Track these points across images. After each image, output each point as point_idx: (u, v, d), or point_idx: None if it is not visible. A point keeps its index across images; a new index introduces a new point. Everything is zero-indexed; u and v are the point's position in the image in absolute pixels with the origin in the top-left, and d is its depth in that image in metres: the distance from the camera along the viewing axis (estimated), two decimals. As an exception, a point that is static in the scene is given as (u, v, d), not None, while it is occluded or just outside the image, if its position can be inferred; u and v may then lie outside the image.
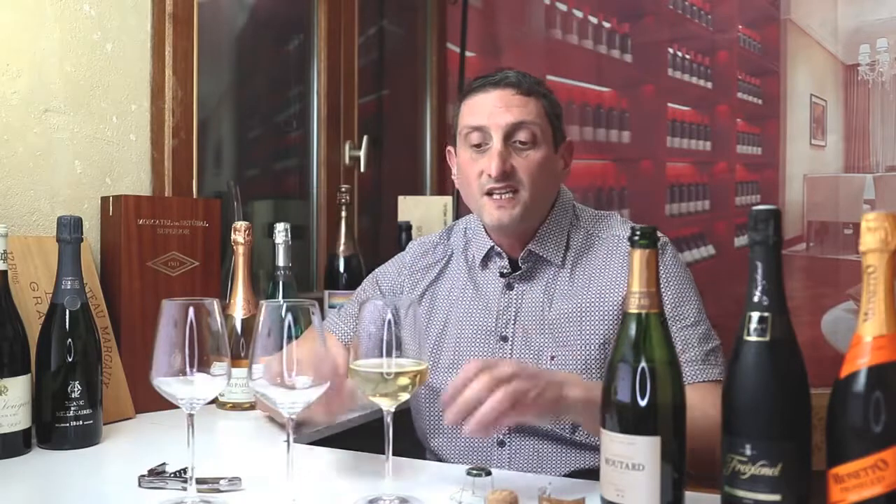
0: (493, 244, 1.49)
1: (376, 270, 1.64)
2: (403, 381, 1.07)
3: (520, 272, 1.47)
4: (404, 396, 1.09)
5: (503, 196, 1.40)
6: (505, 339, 1.45)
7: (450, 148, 1.55)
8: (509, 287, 1.48)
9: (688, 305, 1.38)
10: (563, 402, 1.13)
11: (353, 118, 2.62)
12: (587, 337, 1.39)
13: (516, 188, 1.40)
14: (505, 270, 1.49)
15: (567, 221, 1.49)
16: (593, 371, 1.37)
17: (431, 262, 1.58)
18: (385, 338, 1.07)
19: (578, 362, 1.38)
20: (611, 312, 1.38)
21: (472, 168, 1.43)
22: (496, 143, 1.39)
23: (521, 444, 1.42)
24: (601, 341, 1.38)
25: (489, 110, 1.41)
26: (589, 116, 2.91)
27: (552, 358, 1.40)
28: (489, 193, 1.41)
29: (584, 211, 1.53)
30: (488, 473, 1.02)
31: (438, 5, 3.04)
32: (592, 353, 1.38)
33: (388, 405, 1.09)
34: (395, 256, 1.65)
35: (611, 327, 1.38)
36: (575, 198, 1.57)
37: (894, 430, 0.80)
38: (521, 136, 1.41)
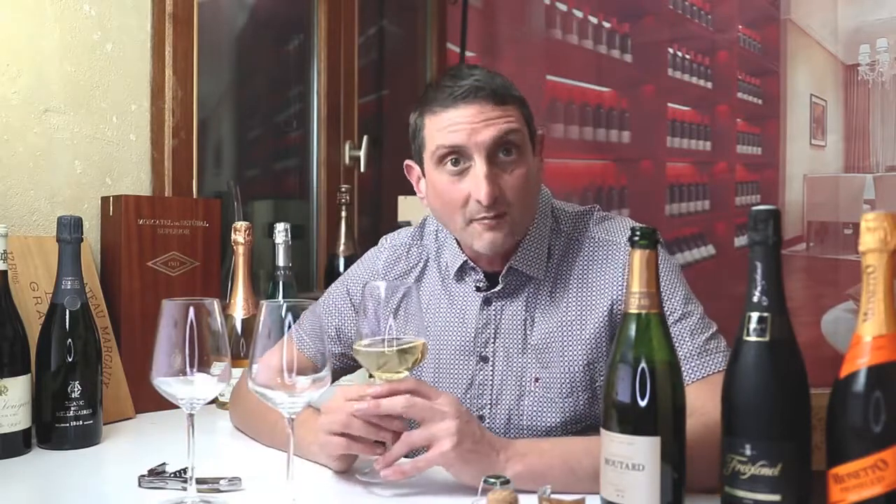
0: (466, 258, 1.37)
1: (345, 276, 1.53)
2: (408, 356, 1.15)
3: (499, 289, 1.35)
4: (405, 373, 1.16)
5: (493, 221, 1.27)
6: (485, 359, 1.36)
7: (409, 163, 1.39)
8: (487, 303, 1.36)
9: (673, 299, 1.27)
10: (496, 470, 1.09)
11: (353, 118, 2.62)
12: (570, 359, 1.31)
13: (504, 211, 1.28)
14: (481, 285, 1.37)
15: (547, 229, 1.37)
16: (579, 393, 1.31)
17: (405, 268, 1.46)
18: (388, 318, 1.15)
19: (563, 385, 1.31)
20: (593, 331, 1.30)
21: (454, 193, 1.28)
22: (480, 164, 1.25)
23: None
24: (585, 362, 1.30)
25: (466, 127, 1.25)
26: (589, 116, 2.91)
27: (536, 380, 1.32)
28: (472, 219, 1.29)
29: (562, 212, 1.40)
30: (506, 482, 1.01)
31: (438, 5, 3.04)
32: (577, 375, 1.31)
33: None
34: (366, 257, 1.52)
35: (594, 347, 1.30)
36: (560, 194, 1.45)
37: (894, 430, 0.80)
38: (505, 150, 1.27)
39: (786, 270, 0.89)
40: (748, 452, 0.86)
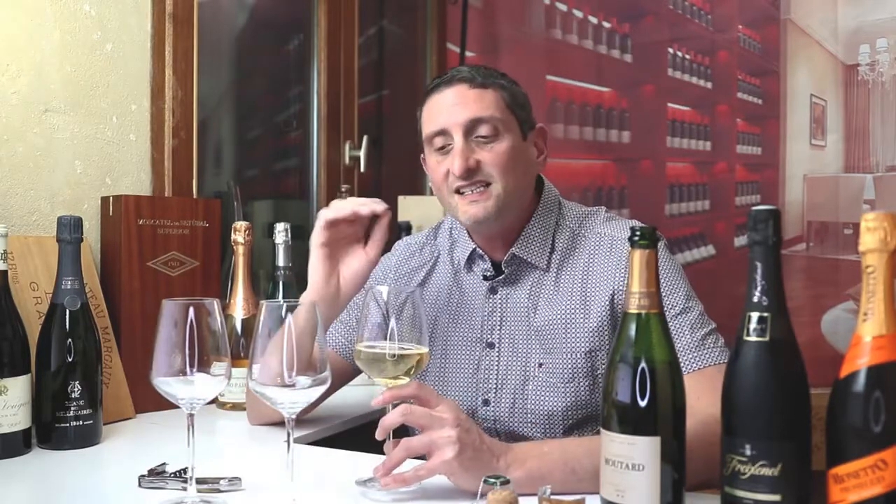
0: (475, 246, 1.45)
1: None
2: (405, 363, 1.14)
3: (503, 276, 1.42)
4: (405, 380, 1.16)
5: (474, 191, 1.36)
6: (491, 345, 1.42)
7: (423, 156, 1.49)
8: (493, 291, 1.43)
9: (675, 294, 1.32)
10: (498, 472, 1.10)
11: (353, 118, 2.62)
12: (573, 346, 1.36)
13: (487, 181, 1.35)
14: (488, 273, 1.44)
15: (552, 221, 1.44)
16: (580, 379, 1.35)
17: (418, 264, 1.53)
18: (389, 324, 1.14)
19: (566, 371, 1.35)
20: (595, 320, 1.35)
21: (439, 171, 1.39)
22: (457, 141, 1.35)
23: None
24: (587, 349, 1.35)
25: (446, 110, 1.37)
26: (589, 116, 2.91)
27: (540, 365, 1.37)
28: (458, 192, 1.37)
29: (569, 209, 1.48)
30: (506, 482, 1.01)
31: (438, 5, 3.04)
32: (579, 362, 1.35)
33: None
34: (382, 258, 1.57)
35: (596, 336, 1.34)
36: (561, 193, 1.51)
37: (894, 430, 0.80)
38: (483, 130, 1.35)
39: (786, 270, 0.89)
40: (748, 452, 0.86)
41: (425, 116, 1.42)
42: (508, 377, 1.39)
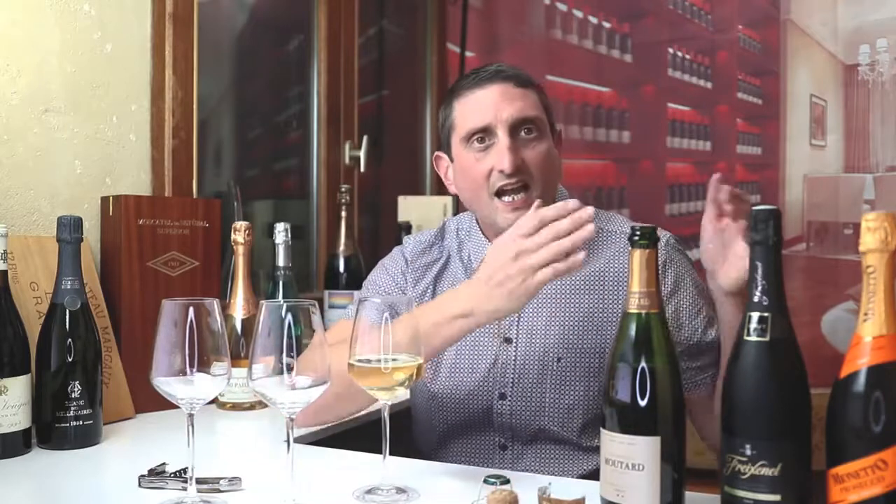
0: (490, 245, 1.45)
1: (367, 280, 1.57)
2: (400, 375, 1.11)
3: None
4: (401, 391, 1.13)
5: (516, 197, 1.36)
6: (509, 340, 1.42)
7: (439, 153, 1.49)
8: None
9: (699, 317, 1.42)
10: None
11: (353, 118, 2.62)
12: (590, 343, 1.37)
13: (527, 183, 1.36)
14: None
15: None
16: (599, 376, 1.36)
17: (430, 260, 1.53)
18: (382, 334, 1.10)
19: (583, 367, 1.37)
20: (612, 319, 1.35)
21: (478, 167, 1.38)
22: (503, 137, 1.35)
23: (524, 450, 1.41)
24: (603, 349, 1.36)
25: (491, 106, 1.36)
26: (589, 116, 2.91)
27: (559, 360, 1.38)
28: (500, 195, 1.37)
29: None
30: (506, 481, 1.00)
31: (438, 5, 3.04)
32: (594, 360, 1.37)
33: (385, 398, 1.13)
34: (388, 258, 1.58)
35: (613, 335, 1.35)
36: (572, 195, 1.52)
37: (894, 430, 0.80)
38: (527, 128, 1.37)
39: (786, 270, 0.89)
40: (748, 452, 0.86)
41: (463, 112, 1.40)
42: (526, 371, 1.40)
